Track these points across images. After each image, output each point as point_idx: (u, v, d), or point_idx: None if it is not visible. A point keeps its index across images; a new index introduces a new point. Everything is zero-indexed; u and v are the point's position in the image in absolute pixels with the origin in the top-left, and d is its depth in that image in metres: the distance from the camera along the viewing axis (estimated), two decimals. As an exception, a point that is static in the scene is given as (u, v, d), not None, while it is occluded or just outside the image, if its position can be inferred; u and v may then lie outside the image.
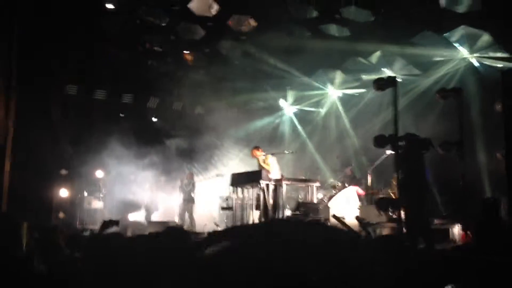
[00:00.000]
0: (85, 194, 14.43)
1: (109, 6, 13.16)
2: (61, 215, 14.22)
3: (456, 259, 5.68)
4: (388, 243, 5.21)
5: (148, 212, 14.06)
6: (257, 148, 10.92)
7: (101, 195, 14.61)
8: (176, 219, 13.86)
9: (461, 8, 10.59)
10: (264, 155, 10.74)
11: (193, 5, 12.82)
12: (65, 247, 5.24)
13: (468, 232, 7.78)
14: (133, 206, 14.66)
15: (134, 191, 14.93)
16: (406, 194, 7.54)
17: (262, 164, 10.61)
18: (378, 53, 12.66)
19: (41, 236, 6.17)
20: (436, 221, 9.26)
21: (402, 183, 7.51)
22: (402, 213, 7.65)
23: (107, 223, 5.32)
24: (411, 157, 7.55)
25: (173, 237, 4.00)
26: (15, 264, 3.51)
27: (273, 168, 10.46)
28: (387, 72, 12.90)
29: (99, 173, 15.02)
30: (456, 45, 11.48)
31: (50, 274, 3.81)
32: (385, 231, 8.99)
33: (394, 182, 10.73)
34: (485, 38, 10.85)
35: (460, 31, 11.09)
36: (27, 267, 3.68)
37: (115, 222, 5.46)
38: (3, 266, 3.30)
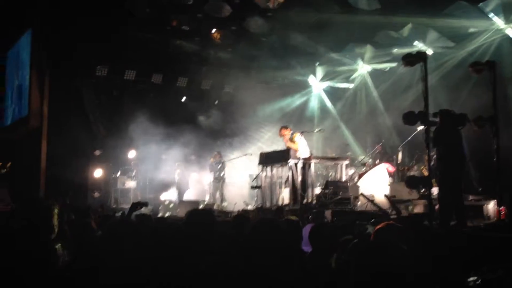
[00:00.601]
0: (119, 174, 14.71)
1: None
2: (96, 194, 14.59)
3: (489, 237, 5.56)
4: (413, 223, 5.14)
5: (180, 191, 14.25)
6: (285, 127, 10.86)
7: (133, 175, 14.88)
8: (207, 198, 14.01)
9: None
10: (291, 133, 10.67)
11: (219, -17, 12.71)
12: (97, 228, 5.34)
13: (503, 208, 7.60)
14: (165, 185, 14.89)
15: (166, 170, 15.15)
16: (442, 170, 7.41)
17: (288, 143, 10.55)
18: (409, 26, 12.28)
19: (75, 218, 6.34)
20: (470, 197, 9.07)
21: (440, 158, 7.36)
22: (434, 190, 7.53)
23: (135, 205, 5.37)
24: (447, 133, 7.38)
25: (196, 222, 3.98)
26: (42, 249, 3.58)
27: (301, 146, 10.38)
28: (419, 45, 12.54)
29: (131, 153, 15.27)
30: (491, 15, 11.03)
31: (76, 258, 3.87)
32: (417, 209, 8.87)
33: (426, 158, 10.54)
34: (523, 7, 10.38)
35: (496, 0, 10.64)
36: (53, 253, 3.74)
37: (144, 204, 5.51)
38: (31, 252, 3.37)
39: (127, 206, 13.41)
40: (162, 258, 3.56)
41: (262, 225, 3.08)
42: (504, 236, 5.52)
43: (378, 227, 3.31)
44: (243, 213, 5.97)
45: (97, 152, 15.13)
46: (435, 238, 3.92)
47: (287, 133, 10.71)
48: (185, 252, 3.53)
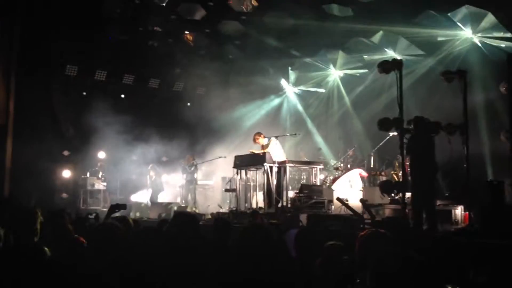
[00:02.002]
0: (88, 175, 14.45)
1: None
2: (64, 195, 14.30)
3: (462, 243, 5.74)
4: (395, 224, 5.25)
5: (152, 193, 14.11)
6: (258, 134, 10.89)
7: (103, 176, 14.65)
8: (179, 200, 13.93)
9: (464, -13, 10.49)
10: (267, 139, 10.70)
11: (194, -15, 12.69)
12: (71, 231, 5.26)
13: (471, 213, 7.86)
14: (136, 187, 14.72)
15: (136, 172, 14.99)
16: (416, 176, 7.59)
17: (262, 149, 10.58)
18: (380, 33, 12.56)
19: (48, 220, 6.21)
20: (438, 202, 9.33)
21: (411, 166, 7.54)
22: (407, 195, 7.71)
23: (114, 207, 5.32)
24: (420, 141, 7.57)
25: (183, 224, 3.99)
26: (27, 252, 3.53)
27: (277, 150, 10.46)
28: (389, 53, 12.82)
29: (101, 154, 15.04)
30: (460, 25, 11.39)
31: (59, 260, 3.82)
32: (388, 213, 9.07)
33: (397, 164, 10.80)
34: (489, 18, 10.75)
35: (464, 10, 10.99)
36: (38, 255, 3.69)
37: (123, 206, 5.47)
38: (17, 255, 3.33)
39: (96, 207, 13.26)
40: (145, 262, 3.54)
41: (250, 231, 3.11)
42: (479, 241, 5.71)
43: (362, 234, 3.38)
44: (223, 218, 5.98)
45: (66, 153, 14.84)
46: (420, 243, 4.04)
47: (261, 140, 10.73)
48: (170, 257, 3.51)
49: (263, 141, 10.72)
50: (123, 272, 3.34)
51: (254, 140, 10.82)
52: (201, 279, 3.20)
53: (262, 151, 10.40)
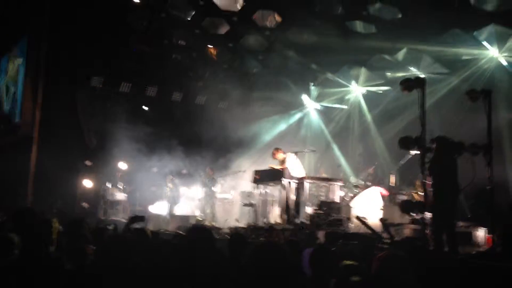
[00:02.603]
0: (109, 185, 14.60)
1: (136, 0, 13.28)
2: (85, 205, 14.45)
3: (483, 266, 5.60)
4: (413, 246, 5.15)
5: (170, 205, 14.17)
6: (277, 149, 10.87)
7: (123, 187, 14.77)
8: (197, 213, 13.94)
9: (490, 6, 10.37)
10: (284, 155, 10.69)
11: (218, 0, 12.84)
12: (91, 241, 5.30)
13: (494, 236, 7.66)
14: (155, 199, 14.80)
15: (156, 184, 15.08)
16: (437, 197, 7.44)
17: (281, 165, 10.57)
18: (404, 51, 12.47)
19: (69, 230, 6.28)
20: (460, 224, 9.14)
21: (434, 186, 7.38)
22: (427, 215, 7.56)
23: (133, 219, 5.36)
24: (443, 161, 7.43)
25: (198, 238, 3.97)
26: (45, 261, 3.57)
27: (296, 166, 10.42)
28: (412, 70, 12.71)
29: (122, 165, 15.19)
30: (485, 43, 11.25)
31: (78, 270, 3.84)
32: (407, 233, 8.91)
33: (418, 183, 10.62)
34: (515, 37, 10.61)
35: (490, 29, 10.87)
36: (56, 264, 3.73)
37: (142, 218, 5.50)
38: (34, 264, 3.36)
39: (116, 218, 13.37)
40: (160, 277, 3.54)
41: (264, 250, 3.08)
42: (500, 265, 5.55)
43: (380, 255, 3.30)
44: (239, 233, 5.97)
45: (88, 163, 15.03)
46: (438, 268, 3.94)
47: (280, 155, 10.72)
48: (183, 271, 3.50)
49: (281, 156, 10.71)
50: (135, 283, 3.35)
51: (273, 155, 10.81)
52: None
53: (281, 167, 10.37)
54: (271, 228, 8.27)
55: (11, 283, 3.28)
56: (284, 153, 10.77)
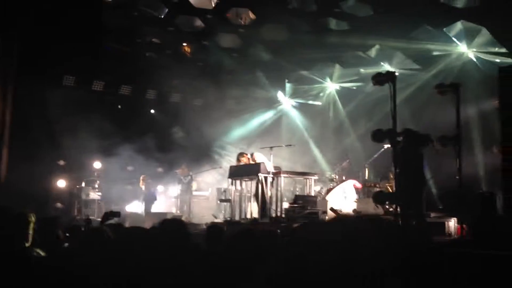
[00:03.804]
0: (83, 184, 14.43)
1: (108, -3, 13.17)
2: (58, 205, 14.25)
3: (454, 253, 5.76)
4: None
5: (146, 203, 14.09)
6: (241, 154, 10.88)
7: (98, 186, 14.63)
8: (174, 211, 13.91)
9: (459, 3, 10.64)
10: (248, 157, 10.70)
11: (192, -3, 12.84)
12: (64, 238, 5.27)
13: (464, 226, 7.87)
14: (131, 197, 14.69)
15: (131, 182, 14.97)
16: (403, 188, 7.61)
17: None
18: (376, 47, 12.69)
19: (41, 227, 6.21)
20: (432, 215, 9.35)
21: (400, 178, 7.56)
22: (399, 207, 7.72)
23: (107, 215, 5.35)
24: (409, 153, 7.60)
25: (171, 230, 4.01)
26: (19, 255, 3.55)
27: (265, 162, 10.46)
28: (385, 66, 12.94)
29: (96, 164, 15.03)
30: (455, 40, 11.52)
31: (49, 265, 3.83)
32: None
33: (391, 176, 10.83)
34: (484, 33, 10.89)
35: (459, 26, 11.14)
36: (28, 258, 3.71)
37: (117, 214, 5.49)
38: (9, 257, 3.34)
39: (91, 217, 13.20)
40: (137, 268, 3.55)
41: (241, 234, 3.13)
42: (467, 251, 5.73)
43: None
44: (216, 225, 6.02)
45: (61, 162, 14.82)
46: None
47: (244, 158, 10.72)
48: (161, 262, 3.51)
49: (247, 158, 10.70)
50: (110, 274, 3.35)
51: (237, 162, 10.76)
52: (187, 283, 3.20)
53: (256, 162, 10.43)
54: (254, 222, 8.30)
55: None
56: (247, 155, 10.78)
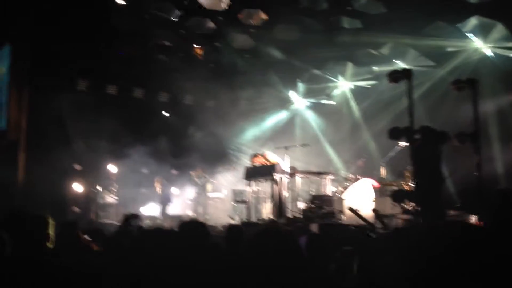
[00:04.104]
0: (99, 188, 14.51)
1: (120, 1, 13.24)
2: (75, 209, 14.33)
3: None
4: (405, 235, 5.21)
5: (163, 206, 14.14)
6: (254, 156, 10.88)
7: (114, 190, 14.70)
8: (189, 213, 13.93)
9: (473, -1, 10.53)
10: (262, 158, 10.70)
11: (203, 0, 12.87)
12: (88, 242, 5.29)
13: (484, 223, 7.77)
14: (146, 200, 14.75)
15: (147, 185, 15.02)
16: (421, 186, 7.54)
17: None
18: (389, 45, 12.60)
19: (62, 231, 6.25)
20: (451, 213, 9.25)
21: (418, 176, 7.49)
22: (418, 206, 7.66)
23: (128, 217, 5.37)
24: (427, 150, 7.53)
25: (192, 230, 4.00)
26: (45, 257, 3.56)
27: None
28: (399, 64, 12.83)
29: (111, 167, 15.11)
30: (470, 35, 11.39)
31: (75, 268, 3.84)
32: (400, 223, 9.00)
33: (407, 174, 10.74)
34: (499, 28, 10.75)
35: (473, 21, 11.01)
36: (55, 261, 3.72)
37: (136, 216, 5.52)
38: (35, 260, 3.35)
39: (108, 221, 13.30)
40: (161, 267, 3.55)
41: (267, 232, 3.11)
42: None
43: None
44: (235, 225, 6.04)
45: (77, 167, 14.92)
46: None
47: (258, 159, 10.71)
48: (183, 261, 3.51)
49: (260, 158, 10.69)
50: (133, 275, 3.35)
51: (252, 162, 10.75)
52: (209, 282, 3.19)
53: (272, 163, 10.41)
54: (273, 222, 8.27)
55: (4, 280, 3.26)
56: (260, 155, 10.78)
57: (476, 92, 7.60)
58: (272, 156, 10.67)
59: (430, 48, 12.02)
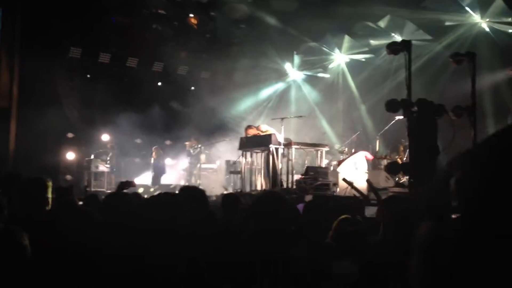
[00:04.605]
0: (92, 157, 14.46)
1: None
2: (68, 177, 14.31)
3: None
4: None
5: (156, 176, 14.13)
6: (249, 127, 10.81)
7: (107, 159, 14.65)
8: (182, 183, 13.94)
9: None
10: (256, 130, 10.64)
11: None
12: (82, 206, 5.27)
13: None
14: (140, 170, 14.73)
15: (141, 155, 14.98)
16: (416, 159, 7.56)
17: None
18: (387, 18, 12.47)
19: (57, 196, 6.22)
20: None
21: (414, 148, 7.50)
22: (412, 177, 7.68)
23: (123, 184, 5.33)
24: (424, 122, 7.51)
25: (191, 196, 3.98)
26: (40, 218, 3.54)
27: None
28: (396, 37, 12.72)
29: (105, 137, 15.03)
30: (468, 9, 11.30)
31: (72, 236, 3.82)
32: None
33: (401, 148, 10.78)
34: (498, 2, 10.67)
35: (472, -6, 10.92)
36: (52, 221, 3.69)
37: (130, 183, 5.48)
38: (32, 220, 3.32)
39: (101, 189, 13.29)
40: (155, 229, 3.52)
41: (267, 194, 3.11)
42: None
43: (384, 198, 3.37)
44: (232, 194, 6.05)
45: (70, 135, 14.83)
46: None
47: (252, 130, 10.64)
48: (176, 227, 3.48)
49: (253, 132, 10.63)
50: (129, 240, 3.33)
51: (247, 133, 10.69)
52: (209, 250, 3.19)
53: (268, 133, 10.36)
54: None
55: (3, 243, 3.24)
56: (254, 127, 10.72)
57: (474, 65, 7.57)
58: (267, 128, 10.64)
59: (428, 21, 11.92)
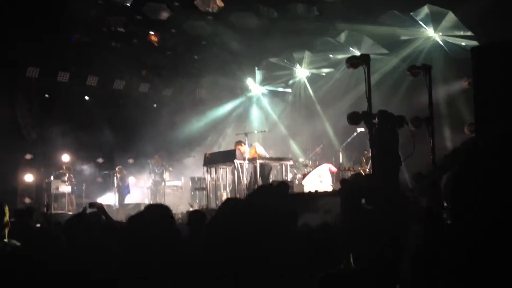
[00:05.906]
0: (52, 178, 14.08)
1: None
2: (27, 200, 13.87)
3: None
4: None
5: (120, 196, 13.87)
6: (239, 143, 10.76)
7: (67, 179, 14.29)
8: (147, 202, 13.74)
9: (426, -13, 10.79)
10: (248, 146, 10.63)
11: (159, -16, 12.60)
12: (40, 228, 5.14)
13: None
14: (102, 190, 14.44)
15: (102, 175, 14.70)
16: (379, 170, 7.71)
17: (250, 155, 10.48)
18: (345, 33, 12.77)
19: (17, 219, 6.03)
20: (407, 195, 9.50)
21: (376, 159, 7.64)
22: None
23: (91, 205, 5.22)
24: (385, 134, 7.67)
25: (157, 215, 3.93)
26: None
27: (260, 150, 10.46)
28: (354, 52, 13.03)
29: (65, 157, 14.69)
30: (422, 24, 11.71)
31: (30, 255, 3.72)
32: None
33: (364, 160, 10.98)
34: (450, 16, 11.08)
35: (425, 10, 11.30)
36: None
37: (99, 204, 5.37)
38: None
39: (62, 211, 12.94)
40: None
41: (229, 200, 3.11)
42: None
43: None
44: (198, 210, 5.99)
45: (28, 156, 14.42)
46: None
47: (242, 148, 10.61)
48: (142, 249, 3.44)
49: (243, 149, 10.61)
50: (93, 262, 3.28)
51: (236, 148, 10.62)
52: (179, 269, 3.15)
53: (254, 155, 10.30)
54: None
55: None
56: (244, 144, 10.71)
57: (430, 77, 7.82)
58: (260, 151, 10.59)
59: (384, 36, 12.27)
